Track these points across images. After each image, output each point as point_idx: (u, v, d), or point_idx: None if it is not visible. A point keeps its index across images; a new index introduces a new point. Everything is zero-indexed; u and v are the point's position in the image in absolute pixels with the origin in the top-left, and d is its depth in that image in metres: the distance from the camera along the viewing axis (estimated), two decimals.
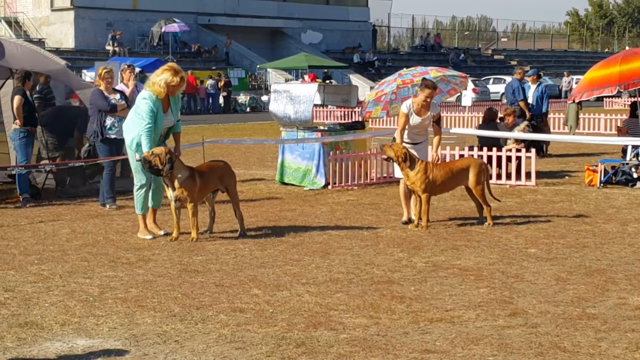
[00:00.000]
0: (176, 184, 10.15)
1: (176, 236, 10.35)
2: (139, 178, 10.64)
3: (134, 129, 10.36)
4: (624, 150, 15.87)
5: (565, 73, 41.21)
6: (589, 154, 20.76)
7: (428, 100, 11.38)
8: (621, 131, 16.89)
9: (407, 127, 11.46)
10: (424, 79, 12.05)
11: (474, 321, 6.96)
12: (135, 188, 10.73)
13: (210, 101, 47.93)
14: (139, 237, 10.57)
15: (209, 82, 47.28)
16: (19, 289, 8.11)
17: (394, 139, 11.72)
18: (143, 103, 10.23)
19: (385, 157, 11.32)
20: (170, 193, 10.25)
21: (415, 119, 11.45)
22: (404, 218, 11.56)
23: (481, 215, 11.42)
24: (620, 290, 7.93)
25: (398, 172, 11.67)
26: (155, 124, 10.20)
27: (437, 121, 11.55)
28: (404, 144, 11.32)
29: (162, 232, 10.74)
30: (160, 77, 10.20)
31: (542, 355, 6.09)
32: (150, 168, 10.11)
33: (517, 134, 16.70)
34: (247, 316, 7.15)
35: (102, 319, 7.11)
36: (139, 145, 10.26)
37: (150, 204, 10.81)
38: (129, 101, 13.11)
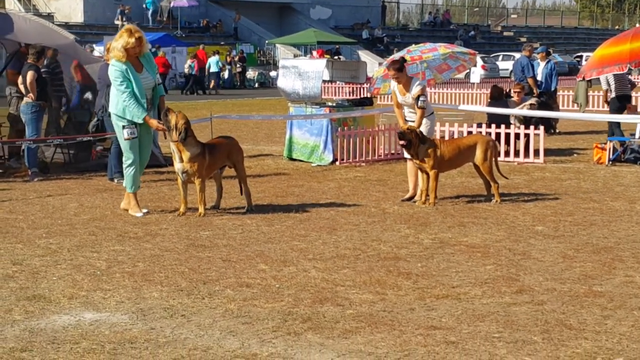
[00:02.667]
0: (185, 157, 10.14)
1: (183, 211, 10.35)
2: (128, 155, 10.39)
3: (116, 100, 10.32)
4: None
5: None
6: (598, 131, 20.70)
7: (396, 79, 11.37)
8: (630, 109, 16.83)
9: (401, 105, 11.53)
10: (394, 60, 11.95)
11: (480, 298, 6.97)
12: (125, 165, 10.50)
13: (219, 77, 47.60)
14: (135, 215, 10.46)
15: (212, 58, 46.84)
16: (27, 263, 8.15)
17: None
18: (112, 70, 10.21)
19: (404, 142, 11.13)
20: (177, 165, 10.24)
21: (399, 98, 11.50)
22: (408, 195, 11.55)
23: (489, 193, 11.40)
24: (627, 268, 7.92)
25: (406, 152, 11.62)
26: (135, 88, 10.14)
27: (416, 99, 11.29)
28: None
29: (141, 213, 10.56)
30: (118, 42, 10.15)
31: (548, 332, 6.09)
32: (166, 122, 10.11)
33: (526, 111, 16.64)
34: (253, 291, 7.16)
35: (109, 292, 7.14)
36: (128, 120, 10.20)
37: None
38: None
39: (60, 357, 5.66)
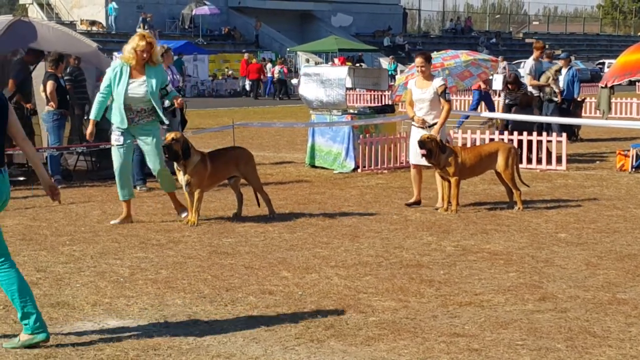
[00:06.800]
0: (188, 168, 10.17)
1: (194, 220, 10.31)
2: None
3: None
4: None
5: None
6: (621, 138, 20.59)
7: (421, 69, 11.38)
8: None
9: (415, 104, 11.51)
10: (422, 52, 12.03)
11: (503, 305, 6.95)
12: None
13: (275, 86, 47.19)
14: (178, 220, 10.58)
15: (277, 67, 46.89)
16: (51, 270, 8.19)
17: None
18: (108, 69, 10.43)
19: (425, 152, 11.06)
20: (181, 177, 10.27)
21: (416, 93, 11.46)
22: (412, 200, 11.55)
23: (511, 200, 11.37)
24: None
25: (413, 158, 11.60)
26: (114, 94, 10.22)
27: (442, 94, 11.37)
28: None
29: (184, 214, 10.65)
30: (129, 44, 10.28)
31: (572, 340, 6.07)
32: (170, 154, 10.11)
33: (552, 118, 16.55)
34: (276, 298, 7.18)
35: (132, 299, 7.17)
36: (116, 126, 10.33)
37: (163, 188, 10.78)
38: None
39: None
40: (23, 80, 14.26)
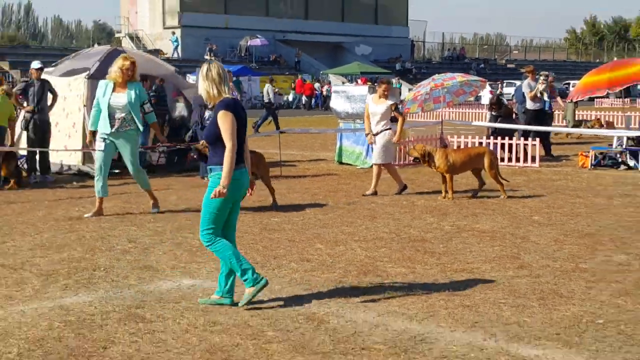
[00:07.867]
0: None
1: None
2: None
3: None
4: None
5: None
6: (583, 142, 20.38)
7: (385, 93, 11.47)
8: (609, 125, 16.55)
9: (370, 117, 11.56)
10: (385, 79, 12.13)
11: (489, 272, 6.91)
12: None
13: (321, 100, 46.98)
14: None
15: (326, 87, 46.93)
16: (140, 241, 8.26)
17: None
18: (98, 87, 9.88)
19: (413, 158, 11.29)
20: None
21: (372, 107, 11.54)
22: (369, 192, 11.46)
23: (480, 189, 11.27)
24: (607, 250, 7.81)
25: (375, 158, 11.63)
26: (101, 105, 9.62)
27: (396, 109, 11.55)
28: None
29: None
30: (115, 65, 9.69)
31: (543, 299, 6.03)
32: (200, 157, 10.00)
33: (525, 126, 16.39)
34: (312, 265, 7.19)
35: (202, 264, 7.21)
36: (101, 133, 9.73)
37: (141, 186, 10.14)
38: None
39: (165, 313, 5.74)
40: None
